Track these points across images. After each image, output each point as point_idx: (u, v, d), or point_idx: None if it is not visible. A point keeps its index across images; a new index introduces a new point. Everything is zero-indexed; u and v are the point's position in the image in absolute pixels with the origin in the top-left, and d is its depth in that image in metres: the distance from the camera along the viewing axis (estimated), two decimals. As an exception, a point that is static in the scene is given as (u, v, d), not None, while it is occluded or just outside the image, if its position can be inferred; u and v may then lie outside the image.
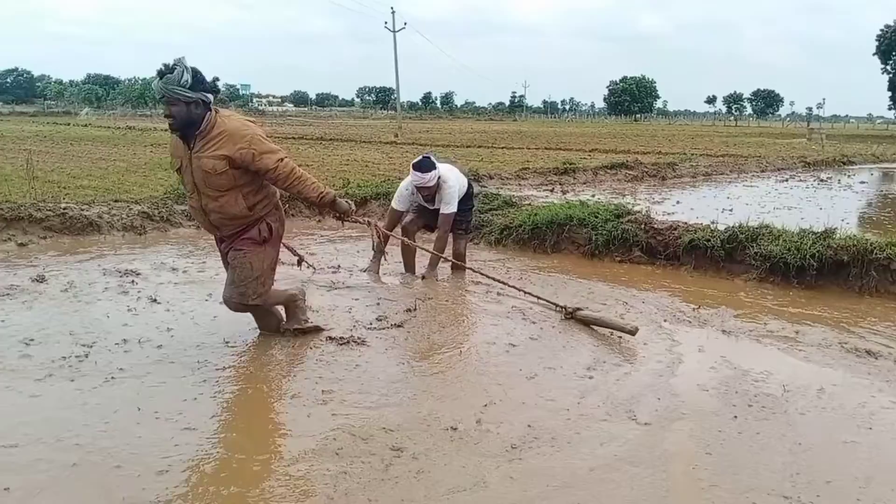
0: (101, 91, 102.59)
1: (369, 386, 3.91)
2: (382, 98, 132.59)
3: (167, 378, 3.95)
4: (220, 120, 3.98)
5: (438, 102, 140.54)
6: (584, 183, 14.56)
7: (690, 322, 5.26)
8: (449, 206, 6.14)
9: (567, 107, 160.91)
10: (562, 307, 5.05)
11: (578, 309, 4.87)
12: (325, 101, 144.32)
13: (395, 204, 6.31)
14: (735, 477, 3.06)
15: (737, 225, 6.90)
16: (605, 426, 3.52)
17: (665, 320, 5.26)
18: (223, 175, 3.96)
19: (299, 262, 5.26)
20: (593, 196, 11.43)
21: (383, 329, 4.83)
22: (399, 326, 4.87)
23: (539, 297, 5.46)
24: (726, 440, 3.41)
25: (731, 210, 10.34)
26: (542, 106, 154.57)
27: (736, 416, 3.65)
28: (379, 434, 3.35)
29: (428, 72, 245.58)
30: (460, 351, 4.53)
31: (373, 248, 5.93)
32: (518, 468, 3.10)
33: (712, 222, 7.22)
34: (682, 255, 6.90)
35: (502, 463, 3.13)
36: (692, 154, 20.13)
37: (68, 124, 34.27)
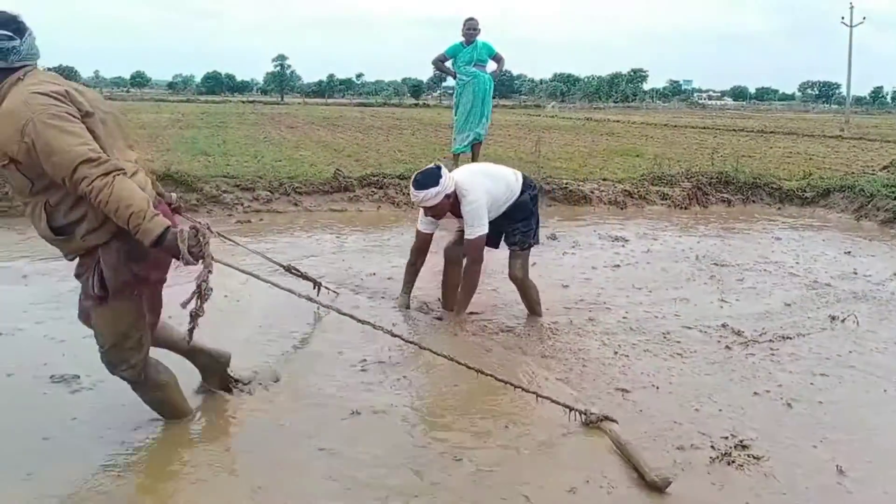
0: (564, 87, 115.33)
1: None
2: (825, 92, 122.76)
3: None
4: (12, 91, 2.56)
5: (889, 97, 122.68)
6: None
7: None
8: (474, 228, 4.61)
9: None
10: (583, 412, 3.36)
11: (607, 419, 3.34)
12: (764, 95, 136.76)
13: (420, 224, 4.89)
14: None
15: None
16: None
17: None
18: (9, 172, 2.60)
19: (316, 287, 4.67)
20: None
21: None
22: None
23: (557, 401, 3.40)
24: None
25: None
26: None
27: None
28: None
29: (879, 64, 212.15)
30: None
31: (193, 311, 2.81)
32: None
33: None
34: None
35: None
36: None
37: (538, 115, 39.36)
